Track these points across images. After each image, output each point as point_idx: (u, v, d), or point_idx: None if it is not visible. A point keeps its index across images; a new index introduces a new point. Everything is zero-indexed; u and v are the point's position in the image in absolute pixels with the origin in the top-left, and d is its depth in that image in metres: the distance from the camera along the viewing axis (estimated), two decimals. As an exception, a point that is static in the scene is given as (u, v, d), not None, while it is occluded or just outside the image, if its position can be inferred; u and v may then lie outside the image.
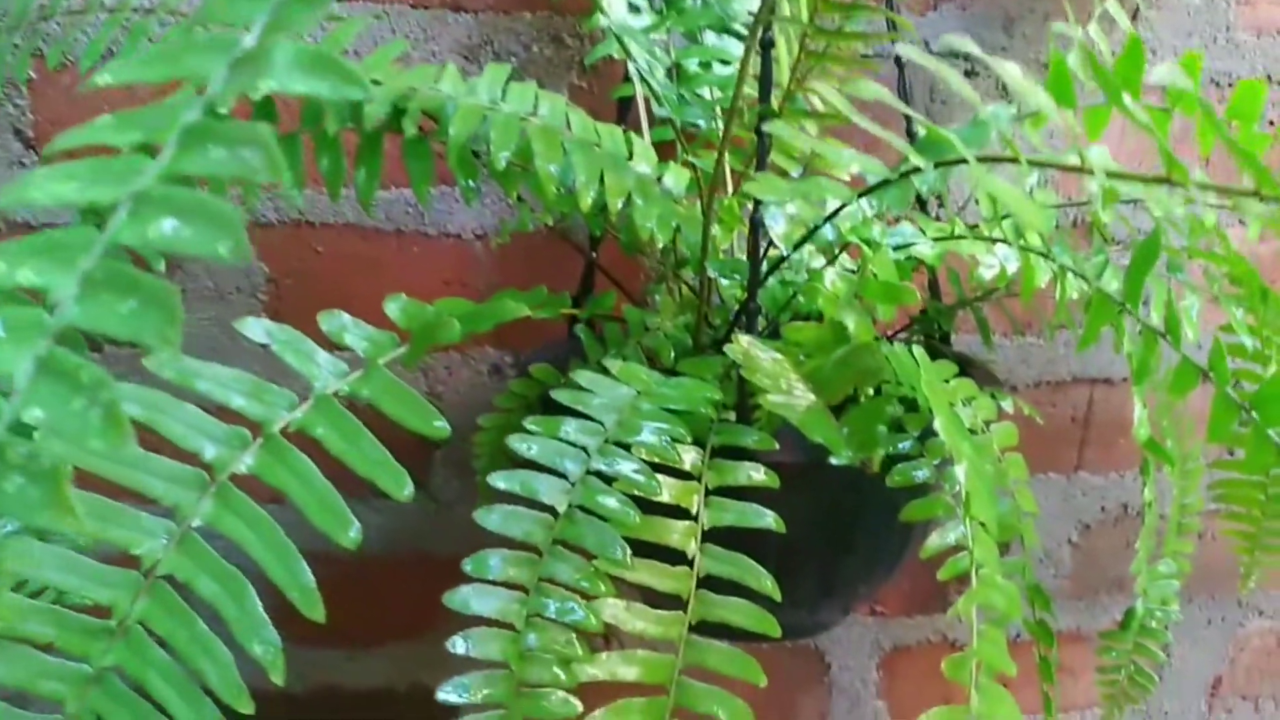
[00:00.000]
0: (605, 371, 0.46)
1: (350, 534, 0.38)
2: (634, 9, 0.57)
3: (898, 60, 0.66)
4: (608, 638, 0.41)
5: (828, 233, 0.45)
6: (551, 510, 0.40)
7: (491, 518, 0.39)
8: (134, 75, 0.25)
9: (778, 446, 0.47)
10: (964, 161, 0.32)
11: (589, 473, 0.41)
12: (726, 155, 0.52)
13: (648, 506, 0.43)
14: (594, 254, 0.62)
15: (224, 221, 0.21)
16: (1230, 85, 0.81)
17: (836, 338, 0.42)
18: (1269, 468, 0.55)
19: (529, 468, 0.41)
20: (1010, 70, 0.30)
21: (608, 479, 0.41)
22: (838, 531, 0.52)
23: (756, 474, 0.46)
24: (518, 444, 0.40)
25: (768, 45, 0.49)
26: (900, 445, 0.48)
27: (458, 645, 0.37)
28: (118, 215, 0.23)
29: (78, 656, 0.37)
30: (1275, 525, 0.75)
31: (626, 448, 0.42)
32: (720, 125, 0.60)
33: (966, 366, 0.56)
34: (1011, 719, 0.39)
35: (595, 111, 0.53)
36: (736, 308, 0.56)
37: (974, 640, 0.37)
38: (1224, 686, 0.98)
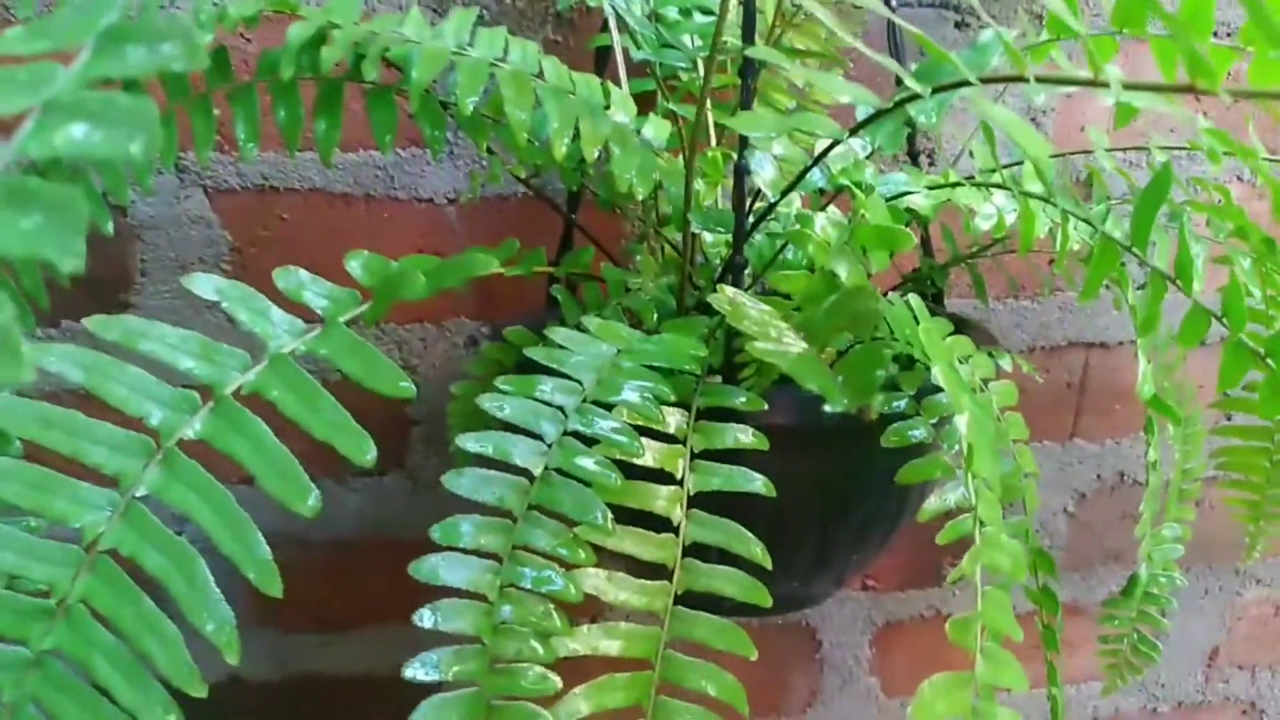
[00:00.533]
0: (583, 330, 0.43)
1: (309, 502, 0.35)
2: (609, -47, 0.54)
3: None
4: (595, 617, 0.39)
5: (817, 177, 0.42)
6: (526, 474, 0.37)
7: (461, 481, 0.36)
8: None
9: (766, 407, 0.44)
10: (965, 84, 0.30)
11: (566, 434, 0.38)
12: (709, 105, 0.49)
13: (630, 471, 0.40)
14: (572, 211, 0.59)
15: (135, 118, 0.19)
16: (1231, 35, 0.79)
17: (828, 287, 0.39)
18: (1280, 414, 0.52)
19: (503, 429, 0.38)
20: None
21: (587, 440, 0.38)
22: (830, 497, 0.49)
23: (745, 436, 0.44)
24: (490, 404, 0.38)
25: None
26: (895, 404, 0.46)
27: (425, 618, 0.34)
28: (23, 126, 0.21)
29: (14, 639, 0.34)
30: (1280, 493, 0.72)
31: (607, 408, 0.39)
32: (700, 76, 0.57)
33: (962, 326, 0.54)
34: (1017, 685, 0.37)
35: (571, 68, 0.51)
36: (721, 267, 0.54)
37: (978, 602, 0.35)
38: (1221, 657, 0.96)
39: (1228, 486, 0.71)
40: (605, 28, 0.58)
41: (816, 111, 0.57)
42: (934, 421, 0.46)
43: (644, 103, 0.55)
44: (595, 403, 0.39)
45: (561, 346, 0.41)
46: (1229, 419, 0.80)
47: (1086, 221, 0.43)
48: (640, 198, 0.48)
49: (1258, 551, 0.73)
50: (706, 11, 0.56)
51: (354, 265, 0.43)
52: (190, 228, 0.67)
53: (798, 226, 0.39)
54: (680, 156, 0.53)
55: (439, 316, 0.72)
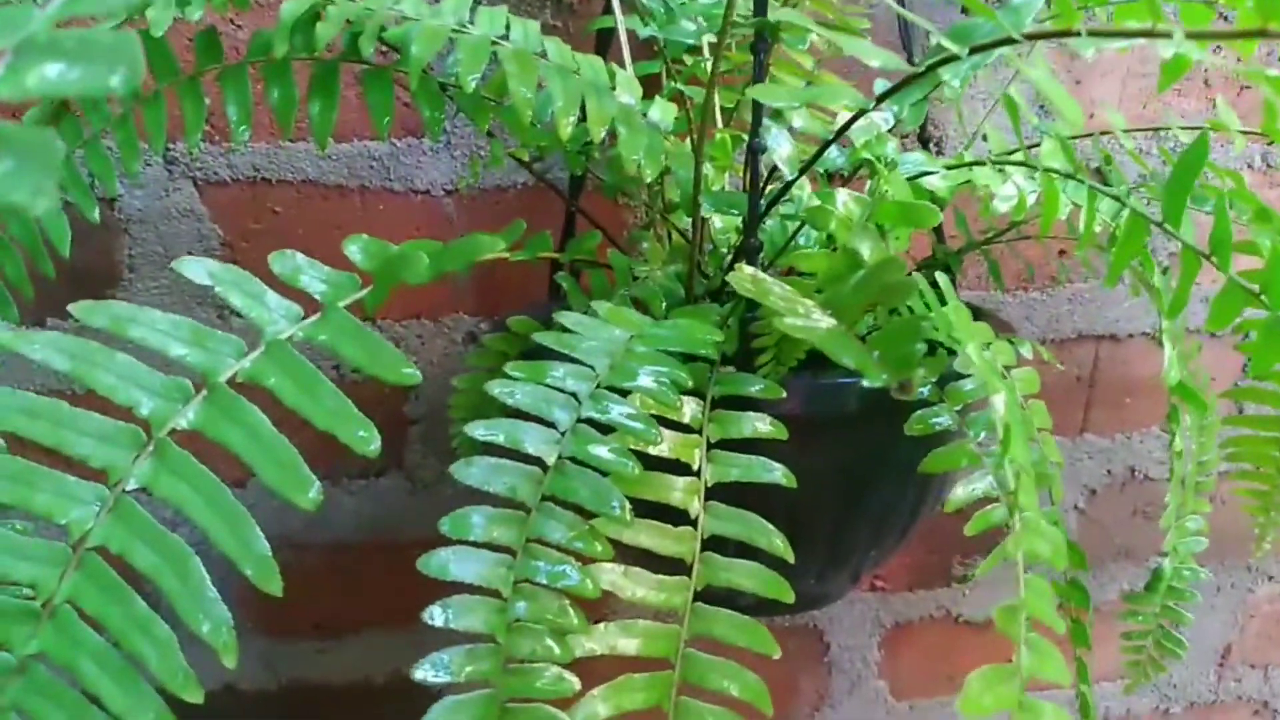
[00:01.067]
0: (593, 314, 0.41)
1: (310, 494, 0.33)
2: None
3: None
4: (604, 616, 0.37)
5: (835, 155, 0.41)
6: (540, 463, 0.35)
7: (471, 471, 0.34)
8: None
9: (785, 395, 0.43)
10: (1006, 42, 0.28)
11: (580, 421, 0.36)
12: (717, 87, 0.48)
13: (643, 463, 0.38)
14: (575, 199, 0.57)
15: (114, 54, 0.17)
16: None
17: (850, 266, 0.38)
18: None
19: (513, 418, 0.36)
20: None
21: (602, 428, 0.36)
22: (849, 489, 0.48)
23: (762, 425, 0.42)
24: (500, 389, 0.36)
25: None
26: (919, 391, 0.44)
27: (435, 616, 0.32)
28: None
29: (-3, 643, 0.32)
30: (1290, 484, 0.71)
31: (622, 394, 0.37)
32: (706, 59, 0.55)
33: (977, 315, 0.52)
34: (1060, 678, 0.35)
35: (572, 52, 0.49)
36: (729, 256, 0.52)
37: (1021, 590, 0.33)
38: (1233, 655, 0.94)
39: (1237, 478, 0.70)
40: (607, 9, 0.56)
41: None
42: (958, 409, 0.44)
43: (648, 87, 0.53)
44: (610, 389, 0.37)
45: (572, 331, 0.39)
46: (1240, 411, 0.79)
47: (1115, 198, 0.41)
48: (648, 180, 0.46)
49: (1268, 543, 0.72)
50: (714, -8, 0.54)
51: (353, 249, 0.41)
52: (179, 221, 0.65)
53: (818, 203, 0.38)
54: (688, 140, 0.51)
55: (436, 312, 0.70)
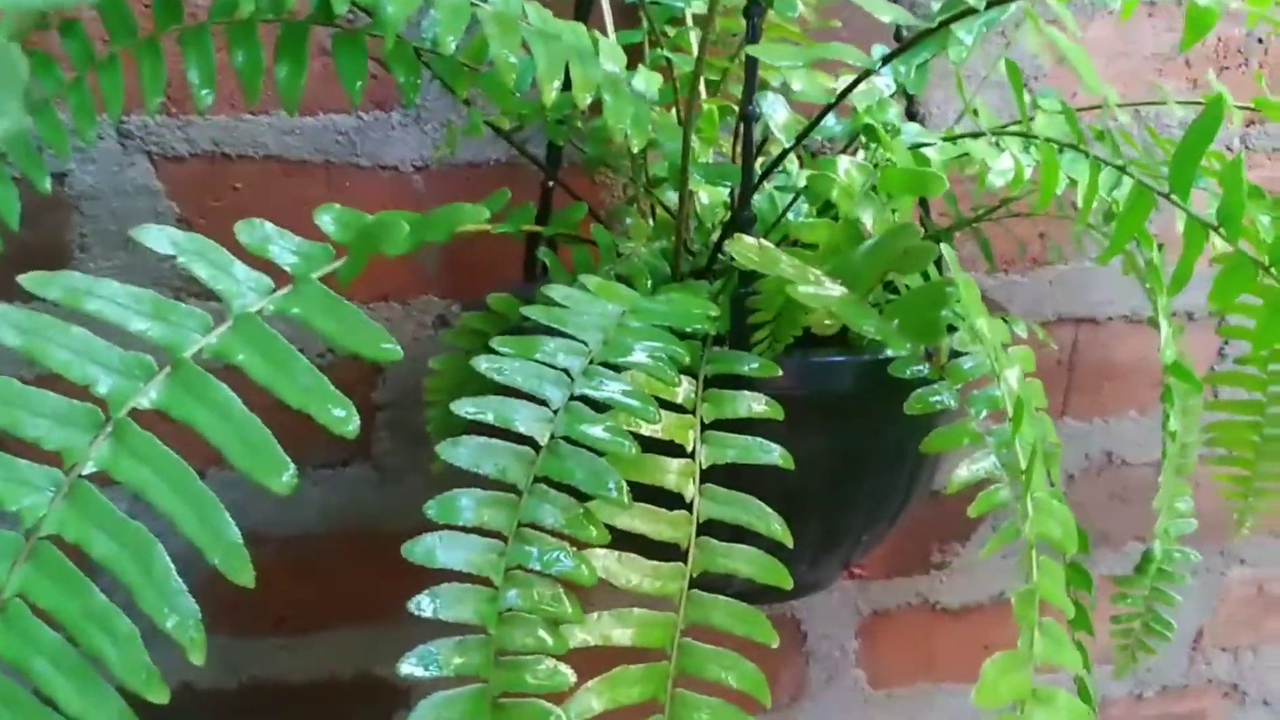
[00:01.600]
0: (580, 289, 0.39)
1: (284, 478, 0.31)
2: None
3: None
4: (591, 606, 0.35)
5: (832, 123, 0.39)
6: (531, 442, 0.33)
7: (459, 452, 0.32)
8: None
9: (781, 373, 0.41)
10: (1030, -8, 0.27)
11: (573, 398, 0.34)
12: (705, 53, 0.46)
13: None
14: (554, 174, 0.55)
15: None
16: None
17: (852, 237, 0.36)
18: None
19: (501, 394, 0.34)
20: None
21: (596, 406, 0.34)
22: (844, 470, 0.46)
23: (758, 405, 0.40)
24: (487, 365, 0.34)
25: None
26: (918, 369, 0.43)
27: (423, 606, 0.30)
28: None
29: (-60, 642, 0.29)
30: (1270, 468, 0.71)
31: (615, 370, 0.35)
32: (692, 31, 0.53)
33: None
34: (1072, 665, 0.34)
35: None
36: (717, 232, 0.50)
37: (1034, 574, 0.32)
38: (1205, 639, 0.95)
39: (1216, 463, 0.70)
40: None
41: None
42: (958, 387, 0.42)
43: (630, 57, 0.51)
44: (604, 364, 0.35)
45: (562, 305, 0.37)
46: (1215, 395, 0.79)
47: (1119, 168, 0.40)
48: (635, 150, 0.45)
49: (1247, 528, 0.72)
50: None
51: (325, 220, 0.38)
52: (134, 198, 0.62)
53: (819, 171, 0.36)
54: (674, 111, 0.49)
55: (406, 294, 0.68)
